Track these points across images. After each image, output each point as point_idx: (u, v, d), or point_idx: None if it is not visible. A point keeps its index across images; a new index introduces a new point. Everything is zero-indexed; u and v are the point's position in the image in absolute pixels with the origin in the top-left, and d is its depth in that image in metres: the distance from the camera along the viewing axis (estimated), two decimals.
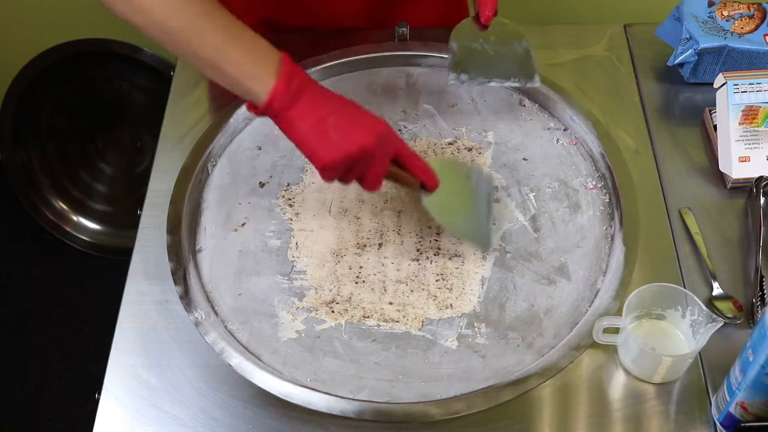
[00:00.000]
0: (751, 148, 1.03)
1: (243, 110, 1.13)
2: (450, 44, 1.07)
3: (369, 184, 0.89)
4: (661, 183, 1.05)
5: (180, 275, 0.97)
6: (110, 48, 1.89)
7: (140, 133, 2.03)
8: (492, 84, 1.08)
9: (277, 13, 1.22)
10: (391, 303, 0.95)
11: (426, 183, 0.92)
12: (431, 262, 0.98)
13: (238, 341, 0.92)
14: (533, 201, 1.04)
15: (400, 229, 1.01)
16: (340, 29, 1.23)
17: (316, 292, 0.96)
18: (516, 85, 1.09)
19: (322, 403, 0.86)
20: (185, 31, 0.82)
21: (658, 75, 1.18)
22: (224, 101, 1.14)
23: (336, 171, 0.86)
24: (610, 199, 1.03)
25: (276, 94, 0.83)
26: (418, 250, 0.99)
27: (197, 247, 1.01)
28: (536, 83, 1.07)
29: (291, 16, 1.23)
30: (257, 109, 0.85)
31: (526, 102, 1.15)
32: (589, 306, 0.93)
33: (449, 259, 0.98)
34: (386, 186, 1.05)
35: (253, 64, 0.83)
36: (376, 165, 0.87)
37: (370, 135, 0.84)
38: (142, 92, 1.97)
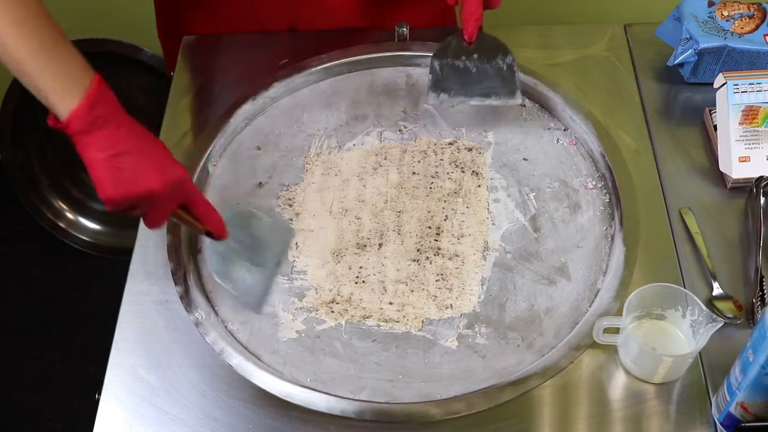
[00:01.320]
0: (751, 148, 1.03)
1: (243, 110, 1.13)
2: (431, 62, 1.08)
3: (150, 222, 0.88)
4: (661, 183, 1.05)
5: (180, 275, 0.97)
6: (110, 48, 1.89)
7: None
8: (472, 103, 1.09)
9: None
10: (391, 303, 0.95)
11: (213, 232, 0.93)
12: (431, 262, 0.98)
13: (238, 341, 0.92)
14: (533, 201, 1.04)
15: (400, 229, 1.01)
16: (335, 29, 1.23)
17: (316, 292, 0.96)
18: (497, 103, 1.09)
19: (322, 403, 0.86)
20: (9, 42, 0.80)
21: (658, 75, 1.18)
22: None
23: (118, 206, 0.84)
24: (610, 199, 1.03)
25: (75, 116, 0.80)
26: (418, 250, 0.99)
27: (197, 247, 1.01)
28: (518, 101, 1.08)
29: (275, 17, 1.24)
30: (57, 124, 0.82)
31: (526, 102, 1.15)
32: (590, 306, 0.93)
33: (449, 259, 0.98)
34: (386, 187, 1.06)
35: (61, 80, 0.81)
36: (160, 209, 0.87)
37: (159, 181, 0.83)
38: (142, 92, 1.97)
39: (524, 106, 1.14)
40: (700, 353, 0.88)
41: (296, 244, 1.01)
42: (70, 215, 2.11)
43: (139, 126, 0.85)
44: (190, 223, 0.91)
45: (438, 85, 1.08)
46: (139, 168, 0.83)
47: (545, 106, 1.14)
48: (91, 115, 0.80)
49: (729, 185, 1.04)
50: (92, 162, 0.82)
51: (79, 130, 0.80)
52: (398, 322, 0.93)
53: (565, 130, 1.11)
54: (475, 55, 1.07)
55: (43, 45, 0.82)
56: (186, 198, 0.88)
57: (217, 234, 0.93)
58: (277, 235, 1.01)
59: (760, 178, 1.02)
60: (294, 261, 0.99)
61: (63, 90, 0.80)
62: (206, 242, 0.96)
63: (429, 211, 1.03)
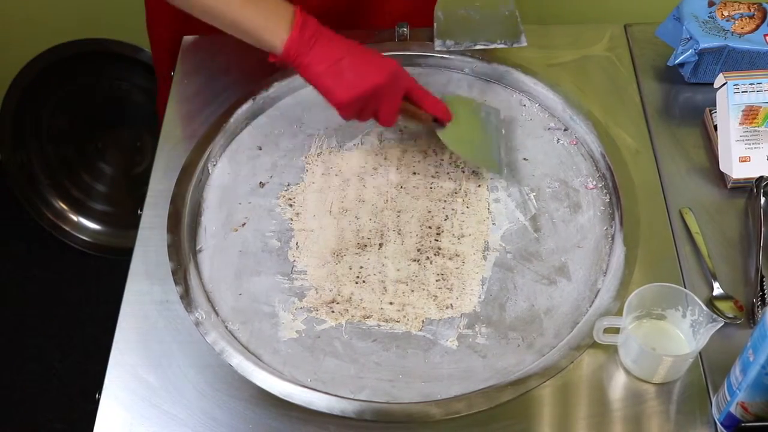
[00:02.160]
0: (752, 148, 1.03)
1: (243, 110, 1.13)
2: (435, 13, 1.12)
3: (384, 119, 0.98)
4: (661, 183, 1.05)
5: (180, 275, 0.97)
6: (110, 48, 1.89)
7: (140, 133, 2.03)
8: (478, 47, 1.13)
9: None
10: (391, 303, 0.95)
11: (439, 117, 1.02)
12: (431, 262, 0.98)
13: (238, 341, 0.92)
14: (533, 201, 1.04)
15: (400, 229, 1.01)
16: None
17: (317, 292, 0.96)
18: (502, 46, 1.12)
19: (322, 403, 0.86)
20: None
21: (658, 75, 1.18)
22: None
23: (351, 108, 0.96)
24: (610, 199, 1.03)
25: (291, 43, 0.93)
26: (418, 250, 0.99)
27: (197, 247, 1.01)
28: (523, 43, 1.12)
29: None
30: (277, 58, 0.95)
31: (526, 102, 1.15)
32: (590, 306, 0.93)
33: (449, 259, 0.98)
34: (386, 187, 1.06)
35: (268, 19, 0.94)
36: (388, 101, 0.97)
37: (381, 73, 0.94)
38: (142, 92, 1.97)
39: (524, 106, 1.14)
40: (700, 353, 0.88)
41: (296, 243, 1.01)
42: (70, 215, 2.10)
43: (342, 36, 0.96)
44: (418, 114, 1.01)
45: (444, 33, 1.12)
46: (358, 68, 0.94)
47: (545, 106, 1.14)
48: (302, 38, 0.93)
49: (729, 185, 1.04)
50: (316, 77, 0.95)
51: (297, 54, 0.93)
52: (398, 322, 0.93)
53: (565, 130, 1.11)
54: (477, 3, 1.11)
55: None
56: (407, 87, 0.99)
57: (443, 117, 1.02)
58: (491, 113, 1.09)
59: (761, 178, 1.02)
60: (294, 261, 0.99)
61: (274, 27, 0.94)
62: (436, 132, 1.04)
63: (429, 211, 1.03)
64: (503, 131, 1.09)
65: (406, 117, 1.03)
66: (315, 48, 0.94)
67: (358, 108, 0.96)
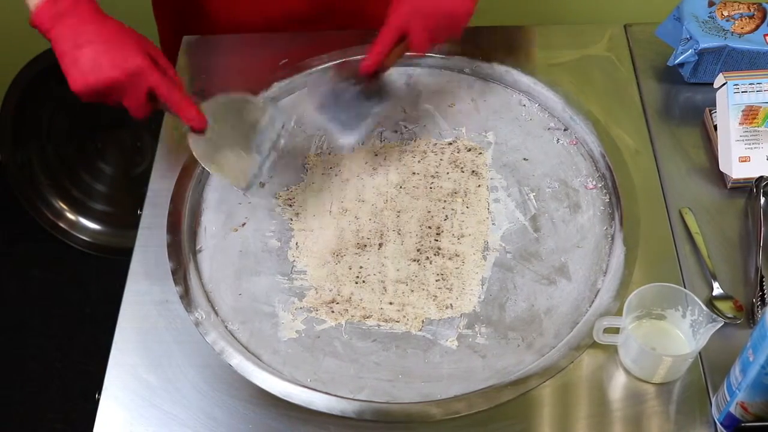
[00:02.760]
0: (751, 148, 1.03)
1: None
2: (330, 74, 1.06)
3: (131, 111, 0.92)
4: (661, 183, 1.05)
5: (180, 275, 0.97)
6: None
7: (140, 133, 2.03)
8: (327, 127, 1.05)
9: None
10: (391, 303, 0.95)
11: (185, 122, 0.94)
12: (431, 262, 0.98)
13: (238, 341, 0.92)
14: (533, 201, 1.04)
15: (400, 229, 1.01)
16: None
17: (316, 292, 0.96)
18: (342, 139, 1.05)
19: (322, 403, 0.86)
20: None
21: (658, 75, 1.18)
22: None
23: (87, 96, 0.89)
24: (610, 199, 1.03)
25: (40, 12, 0.87)
26: (418, 250, 0.99)
27: (197, 247, 1.01)
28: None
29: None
30: (32, 24, 0.89)
31: (526, 102, 1.15)
32: (590, 306, 0.93)
33: (449, 259, 0.98)
34: (386, 187, 1.06)
35: None
36: (130, 97, 0.90)
37: (117, 69, 0.87)
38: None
39: (524, 106, 1.14)
40: (700, 353, 0.88)
41: (296, 243, 1.01)
42: (70, 215, 2.10)
43: (106, 18, 0.91)
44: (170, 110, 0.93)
45: (321, 95, 1.04)
46: (97, 59, 0.87)
47: (545, 106, 1.13)
48: (53, 9, 0.87)
49: (729, 185, 1.04)
50: (59, 55, 0.88)
51: (43, 24, 0.88)
52: (398, 322, 0.93)
53: (565, 130, 1.11)
54: (359, 87, 1.03)
55: None
56: (151, 85, 0.90)
57: (189, 123, 0.94)
58: (273, 120, 1.00)
59: (760, 178, 1.02)
60: (294, 261, 0.99)
61: None
62: (188, 137, 0.96)
63: (429, 211, 1.03)
64: (282, 141, 1.00)
65: (168, 113, 0.96)
66: (62, 24, 0.87)
67: (95, 97, 0.90)
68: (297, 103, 1.16)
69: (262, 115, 1.00)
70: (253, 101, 1.01)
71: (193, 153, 0.96)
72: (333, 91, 1.03)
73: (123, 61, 0.88)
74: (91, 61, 0.87)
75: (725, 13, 1.14)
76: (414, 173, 1.07)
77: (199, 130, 0.95)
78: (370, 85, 1.03)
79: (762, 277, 0.94)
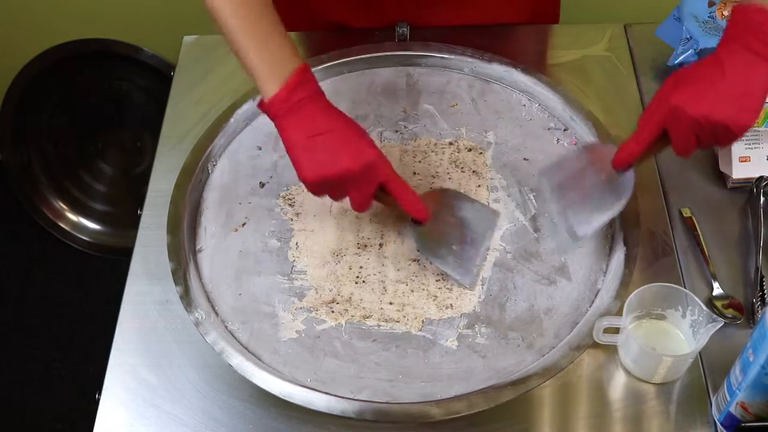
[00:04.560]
0: (752, 148, 1.03)
1: (243, 110, 1.13)
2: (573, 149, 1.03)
3: (354, 204, 0.92)
4: (661, 183, 1.05)
5: (180, 275, 0.97)
6: (110, 48, 1.89)
7: (140, 133, 2.03)
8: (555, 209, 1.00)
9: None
10: (391, 303, 0.95)
11: (413, 217, 0.94)
12: (431, 262, 0.98)
13: (238, 341, 0.92)
14: (533, 201, 1.04)
15: (400, 230, 1.01)
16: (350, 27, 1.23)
17: (317, 292, 0.96)
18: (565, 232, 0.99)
19: (322, 403, 0.86)
20: (224, 22, 0.89)
21: (658, 75, 1.18)
22: None
23: (317, 188, 0.90)
24: None
25: (276, 99, 0.87)
26: (418, 250, 0.99)
27: (197, 247, 1.01)
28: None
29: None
30: (262, 108, 0.89)
31: (526, 102, 1.15)
32: (590, 306, 0.93)
33: None
34: None
35: (268, 65, 0.88)
36: (359, 190, 0.90)
37: (354, 161, 0.87)
38: (142, 92, 1.98)
39: (524, 106, 1.14)
40: (700, 353, 0.88)
41: (296, 243, 1.01)
42: (70, 215, 2.11)
43: (338, 111, 0.90)
44: (394, 206, 0.94)
45: (557, 168, 1.00)
46: (333, 149, 0.87)
47: (545, 106, 1.13)
48: (290, 99, 0.87)
49: (729, 185, 1.04)
50: (290, 144, 0.88)
51: (278, 112, 0.88)
52: (398, 322, 0.93)
53: (565, 130, 1.11)
54: (603, 176, 0.96)
55: (258, 30, 0.89)
56: (383, 180, 0.90)
57: (418, 217, 0.94)
58: (483, 217, 1.00)
59: (760, 178, 1.02)
60: (294, 261, 0.99)
61: (269, 74, 0.88)
62: (411, 227, 0.97)
63: None
64: (492, 234, 0.99)
65: (385, 205, 0.95)
66: (298, 114, 0.88)
67: (325, 188, 0.90)
68: None
69: (472, 212, 1.00)
70: (465, 197, 1.02)
71: (416, 245, 0.97)
72: (578, 173, 0.97)
73: (360, 154, 0.88)
74: (327, 152, 0.87)
75: (725, 13, 1.14)
76: (414, 173, 1.07)
77: (421, 222, 0.95)
78: (616, 176, 0.94)
79: (762, 277, 0.94)
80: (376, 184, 0.90)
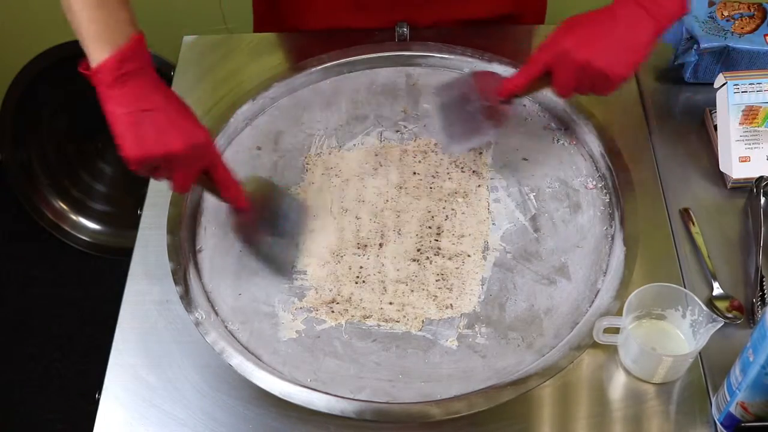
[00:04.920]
0: (752, 148, 1.03)
1: (243, 110, 1.13)
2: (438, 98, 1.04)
3: (176, 185, 0.89)
4: (661, 183, 1.05)
5: (180, 275, 0.97)
6: None
7: None
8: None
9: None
10: (391, 303, 0.95)
11: (232, 204, 0.94)
12: (431, 262, 0.98)
13: (238, 341, 0.92)
14: (533, 201, 1.04)
15: (400, 229, 1.01)
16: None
17: (317, 292, 0.96)
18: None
19: (322, 403, 0.86)
20: None
21: (658, 75, 1.18)
22: None
23: (140, 166, 0.85)
24: (610, 199, 1.03)
25: (103, 67, 0.82)
26: (418, 250, 0.99)
27: (197, 247, 1.01)
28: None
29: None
30: (87, 72, 0.84)
31: (527, 102, 1.15)
32: (590, 306, 0.93)
33: (449, 259, 0.98)
34: (386, 187, 1.06)
35: (101, 29, 0.82)
36: (183, 171, 0.87)
37: (180, 143, 0.83)
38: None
39: (524, 106, 1.14)
40: (700, 353, 0.88)
41: (296, 243, 1.01)
42: (70, 215, 2.11)
43: (168, 89, 0.87)
44: (214, 191, 0.93)
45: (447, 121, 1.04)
46: (161, 127, 0.83)
47: (545, 106, 1.13)
48: (118, 69, 0.81)
49: (729, 185, 1.04)
50: (114, 117, 0.83)
51: (103, 82, 0.82)
52: (398, 322, 0.93)
53: (565, 130, 1.11)
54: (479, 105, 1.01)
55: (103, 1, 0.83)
56: (209, 163, 0.89)
57: (234, 205, 0.94)
58: (297, 212, 1.02)
59: (760, 178, 1.02)
60: (294, 261, 0.99)
61: (100, 38, 0.82)
62: (230, 214, 0.98)
63: (429, 211, 1.03)
64: (304, 229, 1.01)
65: (205, 189, 0.96)
66: (127, 85, 0.82)
67: (149, 168, 0.86)
68: (296, 103, 1.16)
69: (287, 203, 1.01)
70: (279, 189, 1.03)
71: (233, 233, 0.98)
72: (460, 97, 1.01)
73: (189, 135, 0.84)
74: (154, 129, 0.83)
75: (725, 13, 1.14)
76: (414, 173, 1.07)
77: (239, 210, 0.95)
78: (497, 106, 1.00)
79: (762, 277, 0.94)
80: (201, 167, 0.89)
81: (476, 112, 1.00)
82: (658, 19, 0.89)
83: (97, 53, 0.82)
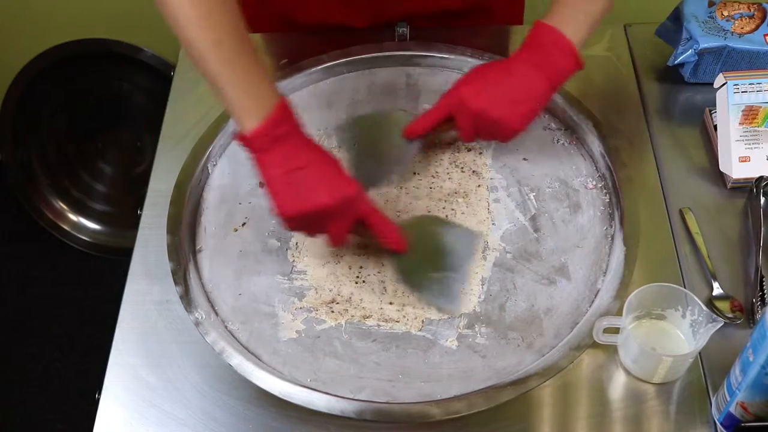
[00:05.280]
0: (751, 148, 1.03)
1: None
2: None
3: (332, 240, 0.92)
4: (661, 183, 1.05)
5: (180, 275, 0.97)
6: (110, 48, 1.89)
7: (140, 133, 2.03)
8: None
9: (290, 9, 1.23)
10: (391, 303, 0.95)
11: (390, 248, 0.94)
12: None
13: (238, 341, 0.92)
14: (533, 201, 1.04)
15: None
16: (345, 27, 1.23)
17: (316, 292, 0.96)
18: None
19: (322, 403, 0.86)
20: (202, 55, 0.85)
21: (658, 75, 1.18)
22: None
23: (294, 223, 0.89)
24: (610, 199, 1.03)
25: (257, 135, 0.85)
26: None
27: (197, 247, 1.01)
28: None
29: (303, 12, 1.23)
30: (239, 140, 0.88)
31: None
32: (590, 306, 0.93)
33: None
34: (387, 186, 1.05)
35: (249, 98, 0.86)
36: (337, 224, 0.90)
37: (332, 197, 0.86)
38: (142, 92, 1.97)
39: None
40: (700, 353, 0.88)
41: (296, 243, 1.01)
42: (70, 215, 2.11)
43: (316, 145, 0.90)
44: (371, 238, 0.93)
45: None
46: (311, 185, 0.86)
47: (545, 106, 1.13)
48: (270, 135, 0.86)
49: (729, 185, 1.04)
50: (268, 179, 0.87)
51: (259, 148, 0.86)
52: (398, 322, 0.93)
53: (565, 130, 1.11)
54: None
55: (238, 65, 0.86)
56: (362, 215, 0.91)
57: (397, 249, 0.94)
58: (464, 241, 0.99)
59: (760, 178, 1.02)
60: (294, 261, 0.99)
61: (250, 108, 0.86)
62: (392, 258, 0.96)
63: (429, 211, 1.03)
64: (475, 257, 0.98)
65: (362, 237, 0.96)
66: (279, 148, 0.86)
67: (303, 224, 0.90)
68: (296, 103, 1.16)
69: (452, 236, 0.99)
70: (446, 221, 1.01)
71: (396, 276, 0.96)
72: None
73: (340, 188, 0.87)
74: (306, 187, 0.86)
75: (725, 13, 1.14)
76: (414, 173, 1.07)
77: (399, 253, 0.95)
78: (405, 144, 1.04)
79: (762, 277, 0.94)
80: (354, 219, 0.90)
81: (389, 148, 1.04)
82: (548, 77, 0.96)
83: (249, 121, 0.85)
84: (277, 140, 0.86)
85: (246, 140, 0.86)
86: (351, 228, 0.91)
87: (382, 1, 1.20)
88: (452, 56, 1.18)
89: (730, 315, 0.91)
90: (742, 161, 1.03)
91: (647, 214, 1.00)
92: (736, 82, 1.04)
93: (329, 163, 0.89)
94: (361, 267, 0.98)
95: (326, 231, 0.91)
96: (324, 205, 0.86)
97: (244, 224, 1.03)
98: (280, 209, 0.87)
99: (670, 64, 1.14)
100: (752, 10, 1.14)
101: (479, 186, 1.05)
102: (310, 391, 0.87)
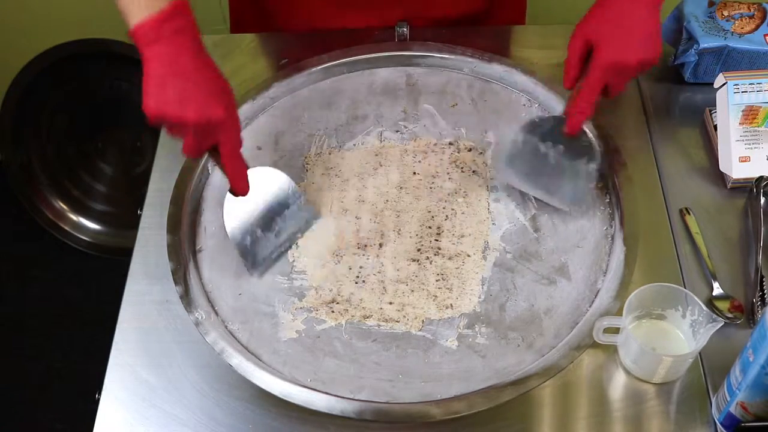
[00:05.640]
0: (752, 148, 1.03)
1: (243, 110, 1.13)
2: (517, 133, 1.02)
3: (184, 149, 0.90)
4: (661, 183, 1.05)
5: (180, 275, 0.97)
6: (110, 48, 1.89)
7: (140, 133, 2.03)
8: (534, 195, 1.03)
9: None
10: (391, 303, 0.95)
11: (231, 184, 0.94)
12: (431, 262, 0.98)
13: (238, 341, 0.92)
14: (533, 201, 1.04)
15: (400, 229, 1.01)
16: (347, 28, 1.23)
17: (316, 292, 0.96)
18: (558, 206, 1.01)
19: (322, 403, 0.86)
20: None
21: (658, 75, 1.18)
22: None
23: (154, 120, 0.86)
24: (610, 199, 1.03)
25: (142, 26, 0.83)
26: (418, 250, 0.99)
27: (197, 247, 1.01)
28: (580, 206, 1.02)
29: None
30: (129, 36, 0.85)
31: (526, 102, 1.15)
32: (590, 306, 0.93)
33: (449, 259, 0.98)
34: (386, 187, 1.06)
35: None
36: (193, 139, 0.88)
37: (196, 114, 0.85)
38: (142, 92, 1.97)
39: (524, 105, 1.14)
40: (700, 353, 0.88)
41: (296, 243, 1.01)
42: (70, 215, 2.11)
43: (205, 52, 0.88)
44: (221, 167, 0.93)
45: (513, 159, 1.02)
46: (184, 94, 0.85)
47: (545, 106, 1.13)
48: (158, 29, 0.83)
49: (729, 185, 1.04)
50: (147, 73, 0.85)
51: (143, 40, 0.84)
52: (398, 322, 0.93)
53: None
54: (561, 147, 1.00)
55: None
56: (219, 141, 0.90)
57: (233, 188, 0.94)
58: (301, 212, 1.01)
59: (760, 178, 1.02)
60: (294, 261, 0.99)
61: (146, 2, 0.83)
62: (226, 196, 0.97)
63: (429, 211, 1.03)
64: (300, 236, 1.01)
65: (215, 164, 0.95)
66: (166, 45, 0.84)
67: (164, 124, 0.88)
68: (297, 103, 1.16)
69: (294, 203, 1.00)
70: (291, 185, 1.01)
71: (223, 214, 0.96)
72: (534, 155, 1.01)
73: (207, 108, 0.86)
74: (176, 94, 0.84)
75: (725, 13, 1.14)
76: (414, 173, 1.07)
77: (236, 195, 0.95)
78: (574, 142, 1.00)
79: (762, 277, 0.94)
80: (212, 142, 0.90)
81: (561, 161, 1.00)
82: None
83: (137, 13, 0.83)
84: (165, 35, 0.83)
85: (131, 32, 0.84)
86: (206, 148, 0.91)
87: (380, 11, 1.20)
88: (452, 56, 1.18)
89: (730, 315, 0.91)
90: (742, 161, 1.03)
91: (647, 214, 1.00)
92: (736, 82, 1.04)
93: (210, 78, 0.88)
94: (361, 267, 0.98)
95: (184, 141, 0.89)
96: (185, 119, 0.85)
97: None
98: (145, 104, 0.85)
99: (670, 64, 1.14)
100: (752, 10, 1.14)
101: (479, 186, 1.05)
102: (310, 391, 0.87)
